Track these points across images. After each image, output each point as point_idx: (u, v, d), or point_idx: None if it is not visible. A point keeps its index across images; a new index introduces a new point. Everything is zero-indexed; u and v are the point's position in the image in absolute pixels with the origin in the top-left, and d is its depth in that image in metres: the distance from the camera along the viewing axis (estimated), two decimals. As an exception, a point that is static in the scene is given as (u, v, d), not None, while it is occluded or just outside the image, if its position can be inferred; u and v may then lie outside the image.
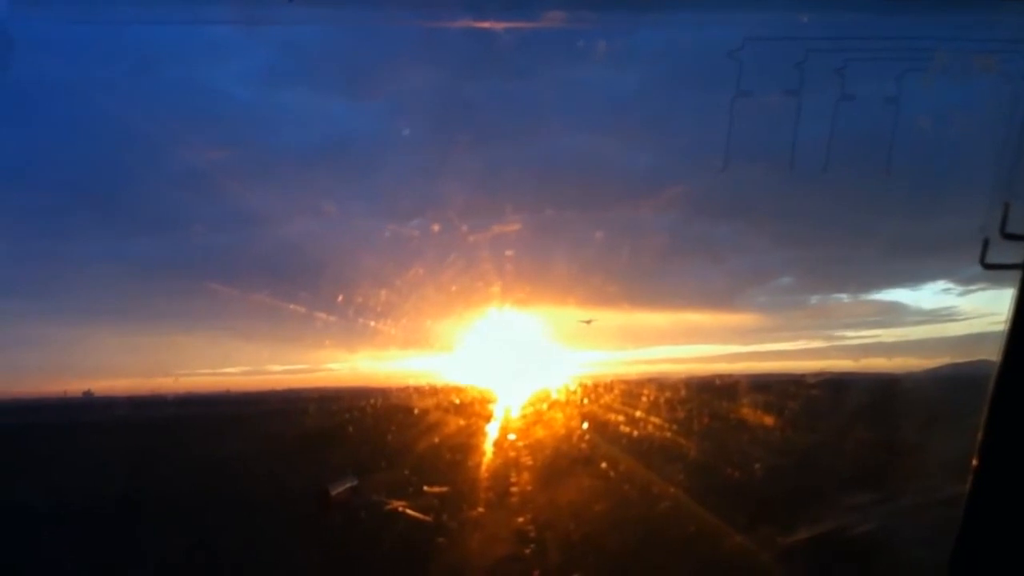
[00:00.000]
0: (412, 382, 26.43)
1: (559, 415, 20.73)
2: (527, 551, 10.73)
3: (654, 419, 18.50)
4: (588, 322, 21.88)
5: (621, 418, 18.78)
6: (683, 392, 21.25)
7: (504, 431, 20.14)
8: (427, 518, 12.39)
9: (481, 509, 13.12)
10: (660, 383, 21.61)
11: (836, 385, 23.49)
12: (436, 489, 13.97)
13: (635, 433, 17.69)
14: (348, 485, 14.04)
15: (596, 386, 22.33)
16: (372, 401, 25.35)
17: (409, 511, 12.67)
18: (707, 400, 20.97)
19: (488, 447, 18.41)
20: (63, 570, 11.27)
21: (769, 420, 19.14)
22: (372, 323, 19.70)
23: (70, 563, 11.43)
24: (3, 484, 16.64)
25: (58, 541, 12.73)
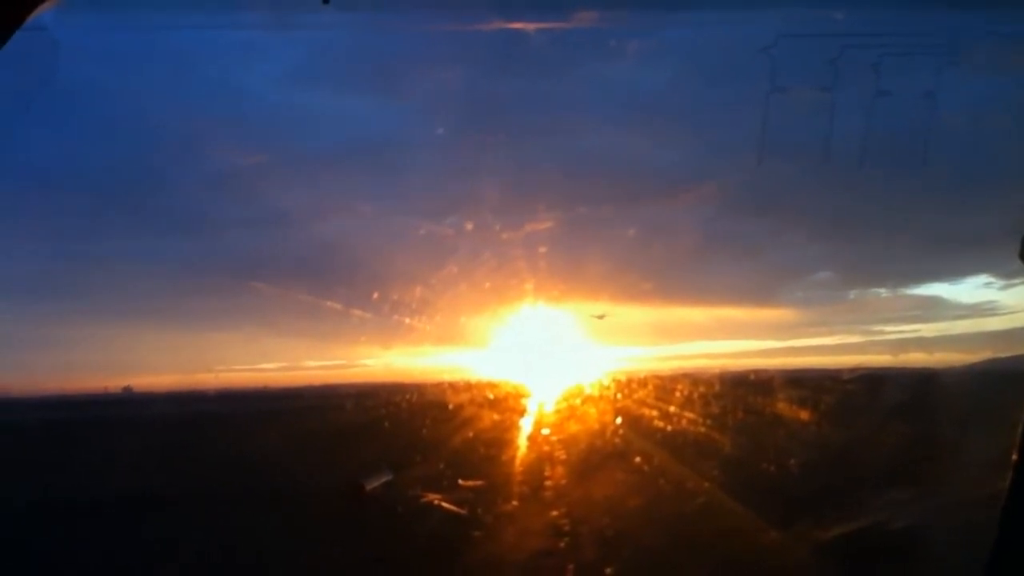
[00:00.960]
0: (446, 378, 26.57)
1: (592, 410, 20.76)
2: (561, 545, 10.78)
3: (688, 414, 18.49)
4: (600, 317, 21.67)
5: (655, 413, 18.79)
6: (717, 387, 21.19)
7: (537, 426, 20.21)
8: (462, 511, 12.48)
9: (515, 503, 13.20)
10: (694, 378, 21.59)
11: (874, 380, 23.26)
12: (471, 483, 14.07)
13: (669, 428, 17.69)
14: (383, 480, 14.18)
15: (630, 382, 22.34)
16: (408, 396, 25.52)
17: (444, 504, 12.77)
18: (741, 396, 20.89)
19: (522, 442, 18.49)
20: (103, 563, 11.46)
21: (805, 416, 19.02)
22: (406, 320, 19.86)
23: (110, 556, 11.61)
24: (46, 479, 16.94)
25: (98, 534, 12.94)
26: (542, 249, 17.60)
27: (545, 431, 19.37)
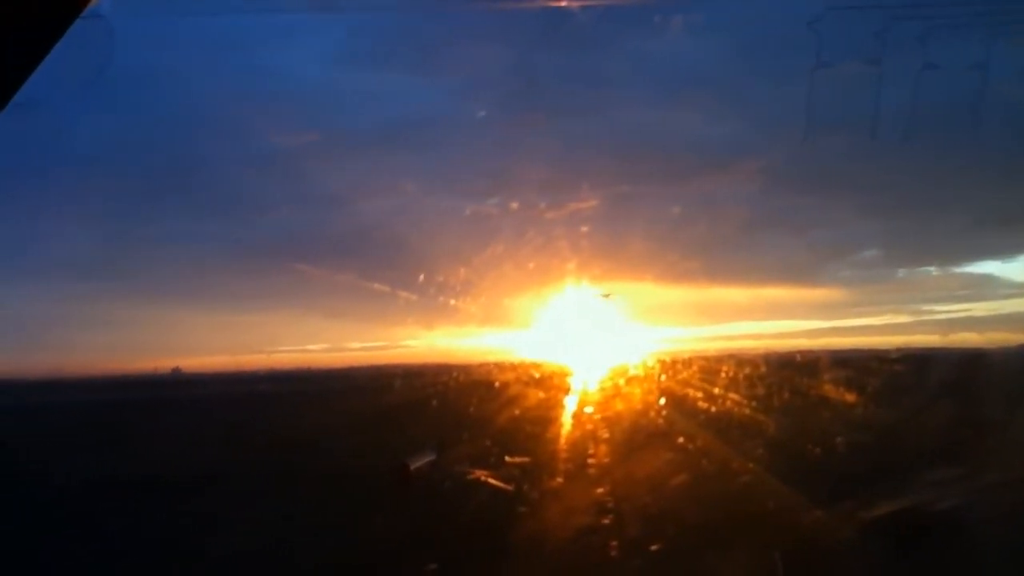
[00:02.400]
0: (490, 358, 26.69)
1: (636, 390, 20.77)
2: (606, 522, 10.84)
3: (732, 395, 18.41)
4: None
5: (699, 394, 18.74)
6: (762, 368, 21.04)
7: (581, 405, 20.28)
8: (508, 487, 12.59)
9: (560, 480, 13.29)
10: (739, 359, 21.43)
11: (921, 360, 22.99)
12: (517, 460, 14.18)
13: (713, 408, 17.64)
14: (428, 459, 14.34)
15: (674, 362, 22.30)
16: (452, 376, 25.70)
17: (491, 481, 12.89)
18: (786, 376, 20.74)
19: (566, 421, 18.57)
20: (156, 536, 11.72)
21: (850, 396, 18.86)
22: (450, 301, 19.99)
23: (161, 532, 11.87)
24: (98, 458, 17.34)
25: (149, 511, 13.22)
26: (585, 228, 17.59)
27: (588, 410, 19.44)
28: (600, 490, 12.35)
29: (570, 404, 20.74)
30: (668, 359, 22.74)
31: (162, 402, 31.20)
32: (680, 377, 21.06)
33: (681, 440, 15.42)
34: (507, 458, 14.38)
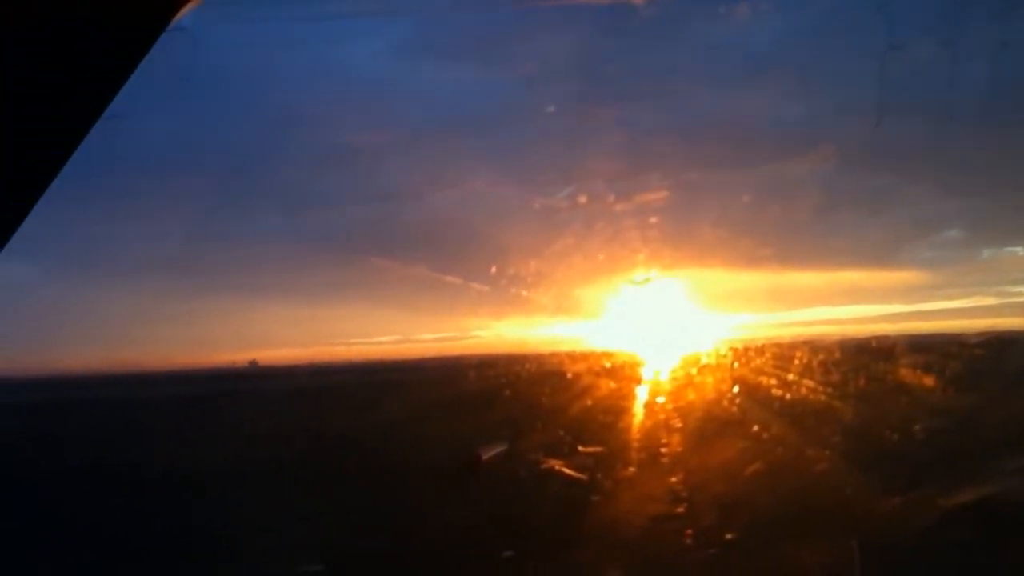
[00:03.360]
0: (561, 348, 26.73)
1: (709, 378, 20.62)
2: (680, 510, 10.85)
3: (807, 381, 18.16)
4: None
5: (773, 381, 18.52)
6: (838, 354, 20.67)
7: (653, 394, 20.22)
8: (582, 476, 12.66)
9: (633, 469, 13.31)
10: (814, 345, 21.10)
11: (1004, 344, 22.32)
12: (590, 449, 14.24)
13: (788, 396, 17.43)
14: (500, 449, 14.49)
15: (747, 349, 22.07)
16: (525, 366, 25.81)
17: (565, 470, 12.98)
18: (864, 362, 20.37)
19: (637, 410, 18.54)
20: (234, 526, 12.01)
21: (930, 381, 18.44)
22: (520, 291, 20.09)
23: (239, 520, 12.16)
24: (179, 449, 17.80)
25: (227, 500, 13.55)
26: (655, 217, 17.47)
27: (660, 399, 19.37)
28: (674, 479, 12.34)
29: (641, 393, 20.70)
30: (741, 346, 22.50)
31: (241, 394, 31.94)
32: (754, 364, 20.84)
33: (755, 428, 15.28)
34: (580, 448, 14.45)
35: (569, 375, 23.06)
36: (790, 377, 18.53)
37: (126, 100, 3.10)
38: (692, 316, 27.16)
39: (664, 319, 25.93)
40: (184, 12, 2.99)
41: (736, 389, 18.91)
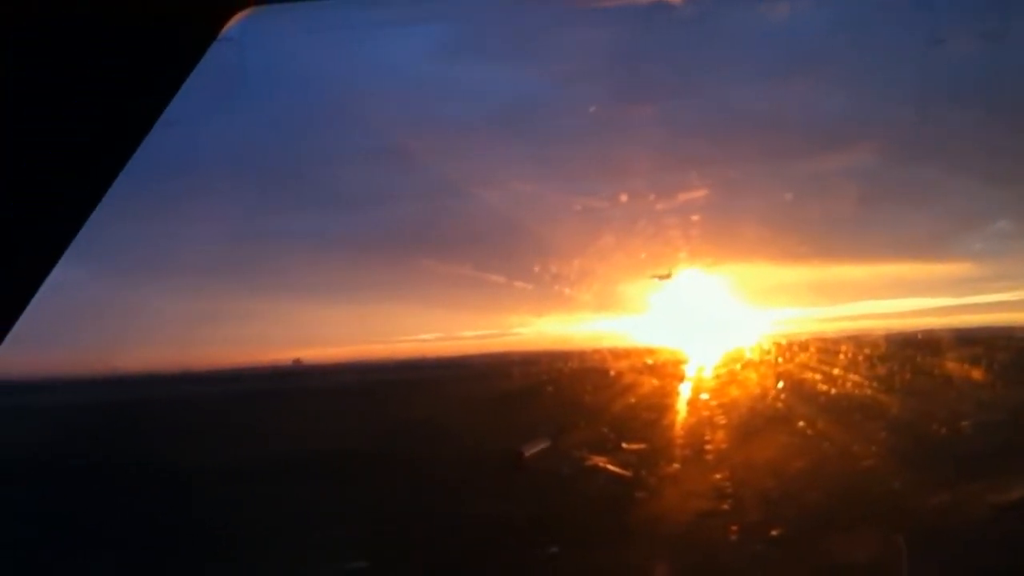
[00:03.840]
0: (601, 345, 26.68)
1: (753, 374, 20.48)
2: (725, 507, 10.82)
3: (853, 377, 17.97)
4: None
5: (818, 377, 18.35)
6: (884, 348, 20.41)
7: (697, 391, 20.13)
8: (626, 473, 12.67)
9: (677, 465, 13.29)
10: (859, 340, 20.85)
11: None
12: (634, 446, 14.24)
13: (833, 392, 17.27)
14: (542, 446, 14.55)
15: (791, 344, 21.86)
16: (566, 363, 25.82)
17: (609, 467, 13.00)
18: (910, 356, 20.10)
19: (681, 406, 18.49)
20: (275, 525, 12.18)
21: (978, 376, 18.15)
22: (561, 288, 20.11)
23: (283, 519, 12.33)
24: (221, 448, 18.04)
25: (271, 498, 13.75)
26: (696, 213, 17.34)
27: (704, 395, 19.28)
28: (718, 475, 12.31)
29: (684, 390, 20.63)
30: (785, 341, 22.29)
31: (286, 393, 32.28)
32: (798, 360, 20.64)
33: (800, 424, 15.16)
34: (623, 444, 14.45)
35: (611, 372, 23.02)
36: (835, 372, 18.34)
37: (177, 107, 3.22)
38: (735, 312, 26.97)
39: (706, 315, 25.76)
40: (233, 22, 3.10)
41: (780, 384, 18.77)
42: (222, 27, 3.09)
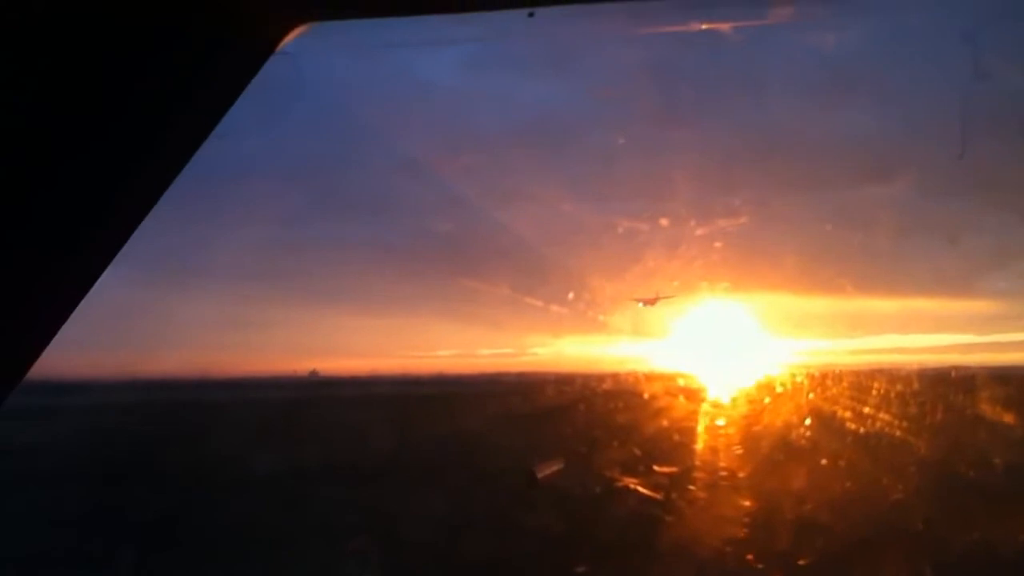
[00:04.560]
0: (624, 367, 26.51)
1: (779, 404, 20.30)
2: (744, 534, 10.73)
3: (883, 414, 17.76)
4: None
5: (848, 414, 18.13)
6: (915, 385, 20.18)
7: (718, 418, 19.96)
8: (657, 497, 12.55)
9: (703, 494, 13.18)
10: (889, 374, 20.62)
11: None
12: (665, 469, 14.08)
13: (862, 429, 17.04)
14: (554, 467, 14.51)
15: (820, 376, 21.65)
16: (585, 385, 25.71)
17: (639, 488, 12.90)
18: (940, 393, 19.88)
19: (702, 433, 18.33)
20: (296, 531, 12.21)
21: (1010, 415, 17.91)
22: (582, 309, 20.04)
23: (304, 531, 12.36)
24: (239, 457, 18.05)
25: (285, 510, 13.78)
26: (725, 238, 17.23)
27: (721, 422, 19.12)
28: (747, 502, 12.19)
29: (706, 418, 20.47)
30: (812, 372, 22.07)
31: (304, 403, 32.38)
32: (826, 392, 20.43)
33: (828, 456, 14.98)
34: (655, 467, 14.30)
35: (630, 396, 22.91)
36: (866, 409, 18.09)
37: (231, 119, 3.28)
38: (759, 339, 26.77)
39: (732, 342, 25.58)
40: (288, 39, 3.16)
41: (808, 416, 18.55)
42: (279, 43, 3.14)
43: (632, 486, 13.17)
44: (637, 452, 15.54)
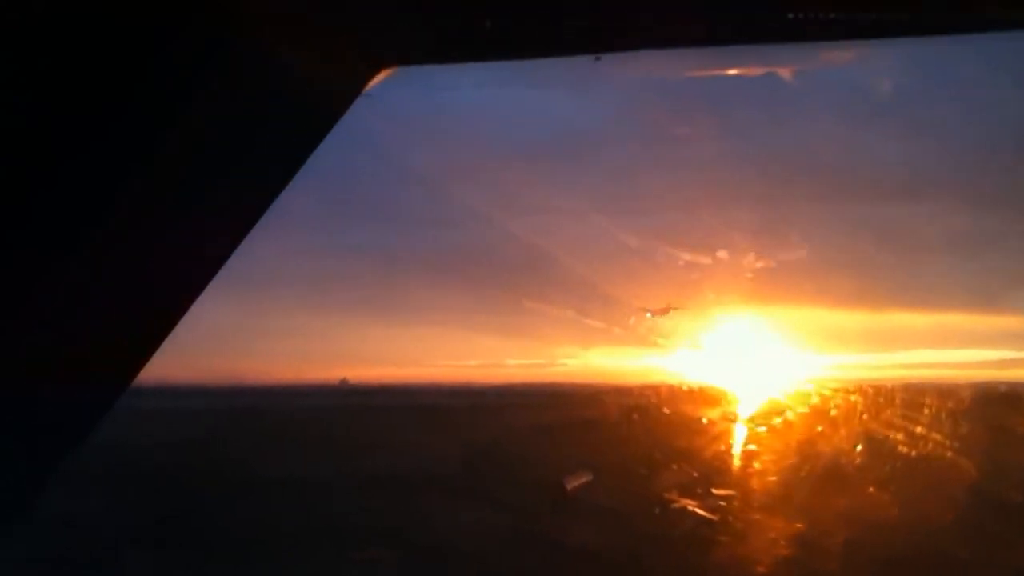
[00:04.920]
0: (652, 379, 26.38)
1: (811, 421, 20.12)
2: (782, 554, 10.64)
3: (934, 431, 17.50)
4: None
5: (900, 436, 17.87)
6: (967, 403, 19.89)
7: (748, 433, 19.79)
8: (712, 516, 12.42)
9: (757, 515, 13.05)
10: (940, 390, 20.31)
11: None
12: (722, 492, 13.91)
13: (913, 452, 16.76)
14: (583, 480, 14.47)
15: (850, 390, 21.44)
16: (619, 399, 25.58)
17: (693, 508, 12.78)
18: (977, 411, 19.64)
19: (736, 446, 18.17)
20: (306, 542, 12.26)
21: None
22: (611, 321, 19.94)
23: (320, 537, 12.38)
24: (261, 465, 18.03)
25: (306, 520, 13.78)
26: (751, 250, 17.05)
27: (746, 435, 18.90)
28: (782, 522, 12.10)
29: (734, 431, 20.31)
30: (846, 387, 21.84)
31: (328, 411, 32.40)
32: (873, 411, 20.14)
33: (876, 475, 14.76)
34: (713, 490, 14.14)
35: (657, 410, 22.75)
36: (919, 429, 17.77)
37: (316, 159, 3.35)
38: (787, 353, 26.60)
39: (761, 356, 25.45)
40: (373, 84, 3.23)
41: (858, 446, 18.26)
42: (365, 85, 3.19)
43: (649, 498, 13.10)
44: (648, 469, 15.42)
